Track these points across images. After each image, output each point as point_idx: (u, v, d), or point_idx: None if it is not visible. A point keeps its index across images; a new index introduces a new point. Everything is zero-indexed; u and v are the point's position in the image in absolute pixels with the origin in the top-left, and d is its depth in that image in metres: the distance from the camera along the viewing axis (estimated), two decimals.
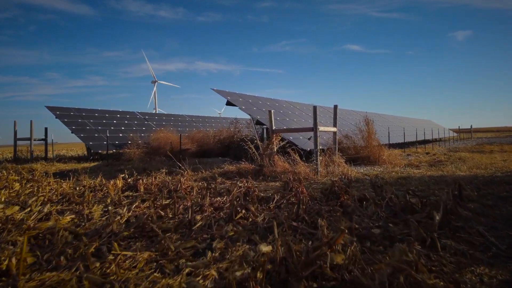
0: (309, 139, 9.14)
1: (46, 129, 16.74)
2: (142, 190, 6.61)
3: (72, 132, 15.82)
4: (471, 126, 56.38)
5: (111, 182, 7.14)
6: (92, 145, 15.16)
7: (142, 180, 6.85)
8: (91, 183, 7.61)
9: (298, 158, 8.88)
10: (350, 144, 11.56)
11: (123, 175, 7.48)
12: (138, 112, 20.97)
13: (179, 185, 6.45)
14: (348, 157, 10.72)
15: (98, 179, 7.77)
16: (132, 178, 7.44)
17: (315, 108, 8.26)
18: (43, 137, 17.01)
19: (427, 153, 15.68)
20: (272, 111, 8.97)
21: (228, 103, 11.61)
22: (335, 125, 9.30)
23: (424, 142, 27.53)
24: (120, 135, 17.14)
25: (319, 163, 8.21)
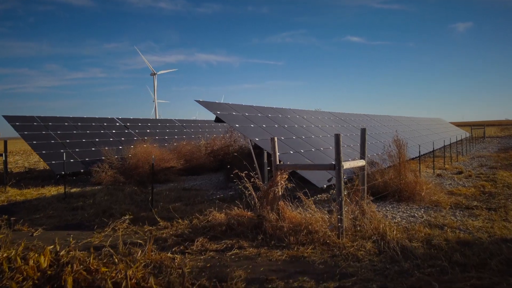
0: (329, 180, 6.73)
1: (5, 142, 14.28)
2: (69, 286, 4.22)
3: (32, 148, 13.41)
4: (484, 127, 53.88)
5: (30, 262, 4.77)
6: (54, 165, 12.72)
7: (72, 268, 4.43)
8: (8, 254, 5.28)
9: (312, 204, 6.49)
10: (376, 171, 9.17)
11: (52, 246, 5.06)
12: (118, 119, 18.46)
13: (123, 284, 4.05)
14: (374, 191, 8.36)
15: (20, 247, 5.36)
16: (67, 249, 5.06)
17: (337, 136, 5.86)
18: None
19: (460, 173, 13.30)
20: (276, 138, 6.56)
21: (218, 120, 9.18)
22: (363, 156, 6.91)
23: (444, 148, 25.07)
24: (93, 149, 14.68)
25: (344, 217, 5.81)
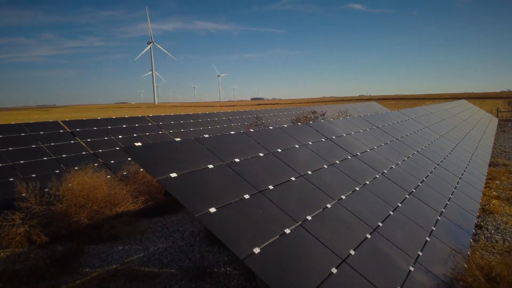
0: None
1: None
2: None
3: None
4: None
5: None
6: None
7: None
8: None
9: None
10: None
11: None
12: (63, 122, 13.59)
13: None
14: None
15: None
16: None
17: None
18: None
19: None
20: None
21: (168, 193, 4.47)
22: None
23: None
24: (11, 179, 10.00)
25: None
